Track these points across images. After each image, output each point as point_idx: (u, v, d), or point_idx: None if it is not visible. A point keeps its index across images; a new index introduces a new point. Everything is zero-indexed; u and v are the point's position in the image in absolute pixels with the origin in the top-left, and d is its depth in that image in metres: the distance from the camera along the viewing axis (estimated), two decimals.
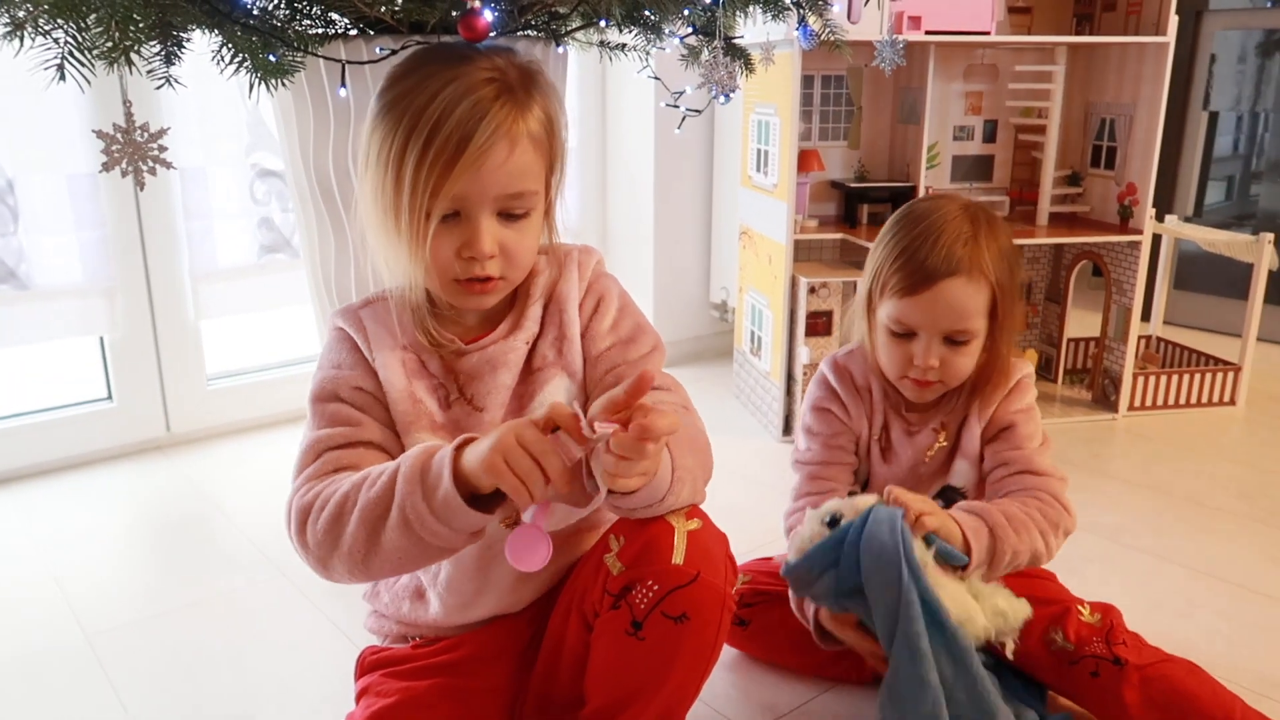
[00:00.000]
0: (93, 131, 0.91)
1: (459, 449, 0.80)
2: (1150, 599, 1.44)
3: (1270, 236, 2.18)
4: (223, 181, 2.03)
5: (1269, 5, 2.77)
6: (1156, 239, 2.39)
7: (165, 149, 0.90)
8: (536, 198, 0.89)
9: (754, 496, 1.78)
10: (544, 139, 0.89)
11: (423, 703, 0.95)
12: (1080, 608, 1.16)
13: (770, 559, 1.33)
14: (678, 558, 0.85)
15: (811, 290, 2.00)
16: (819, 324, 2.04)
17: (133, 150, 0.87)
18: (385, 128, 0.85)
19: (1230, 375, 2.24)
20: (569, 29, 1.39)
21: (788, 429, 2.07)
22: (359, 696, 1.01)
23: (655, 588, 0.85)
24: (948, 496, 1.25)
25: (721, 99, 1.36)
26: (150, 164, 0.88)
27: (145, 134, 0.88)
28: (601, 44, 1.54)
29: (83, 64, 0.88)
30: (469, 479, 0.79)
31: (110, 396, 2.01)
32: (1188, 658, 1.13)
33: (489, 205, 0.86)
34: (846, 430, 1.27)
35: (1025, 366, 1.24)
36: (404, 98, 0.84)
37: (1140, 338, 2.38)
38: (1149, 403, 2.21)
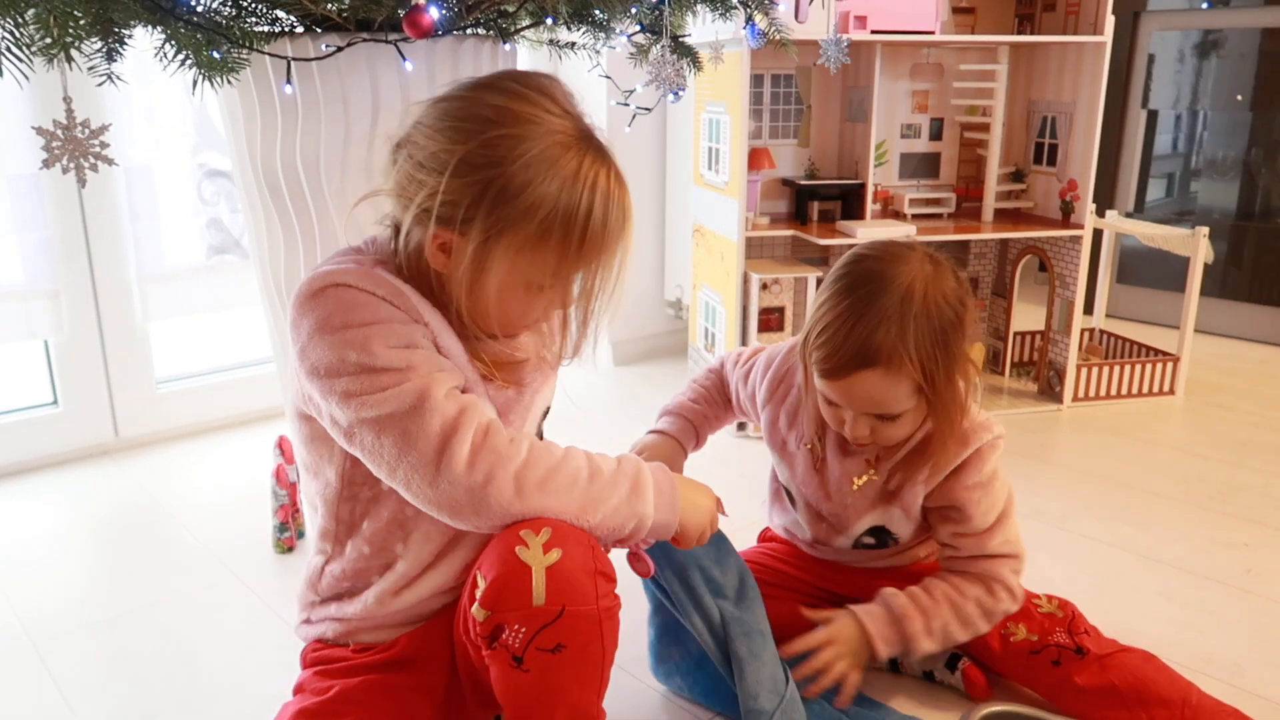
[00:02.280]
0: (32, 128, 0.90)
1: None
2: (1095, 583, 1.48)
3: (1205, 230, 2.24)
4: (170, 181, 2.00)
5: (1205, 6, 2.85)
6: (1098, 234, 2.45)
7: (107, 145, 0.89)
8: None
9: None
10: None
11: (354, 699, 0.95)
12: (1035, 600, 1.19)
13: None
14: (538, 599, 0.84)
15: (764, 286, 2.02)
16: (771, 320, 2.06)
17: (74, 147, 0.86)
18: (548, 195, 0.88)
19: (1169, 366, 2.30)
20: (517, 27, 1.40)
21: (742, 424, 2.09)
22: (295, 691, 1.01)
23: (522, 630, 0.84)
24: (879, 537, 1.23)
25: (670, 97, 1.38)
26: (92, 161, 0.87)
27: (86, 130, 0.87)
28: (551, 42, 1.55)
29: (20, 60, 0.87)
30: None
31: (56, 401, 1.97)
32: (1133, 639, 1.17)
33: (569, 285, 0.98)
34: (745, 397, 1.31)
35: (989, 432, 1.14)
36: (529, 193, 0.87)
37: (1083, 330, 2.44)
38: (1092, 393, 2.27)
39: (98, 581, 1.54)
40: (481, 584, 0.86)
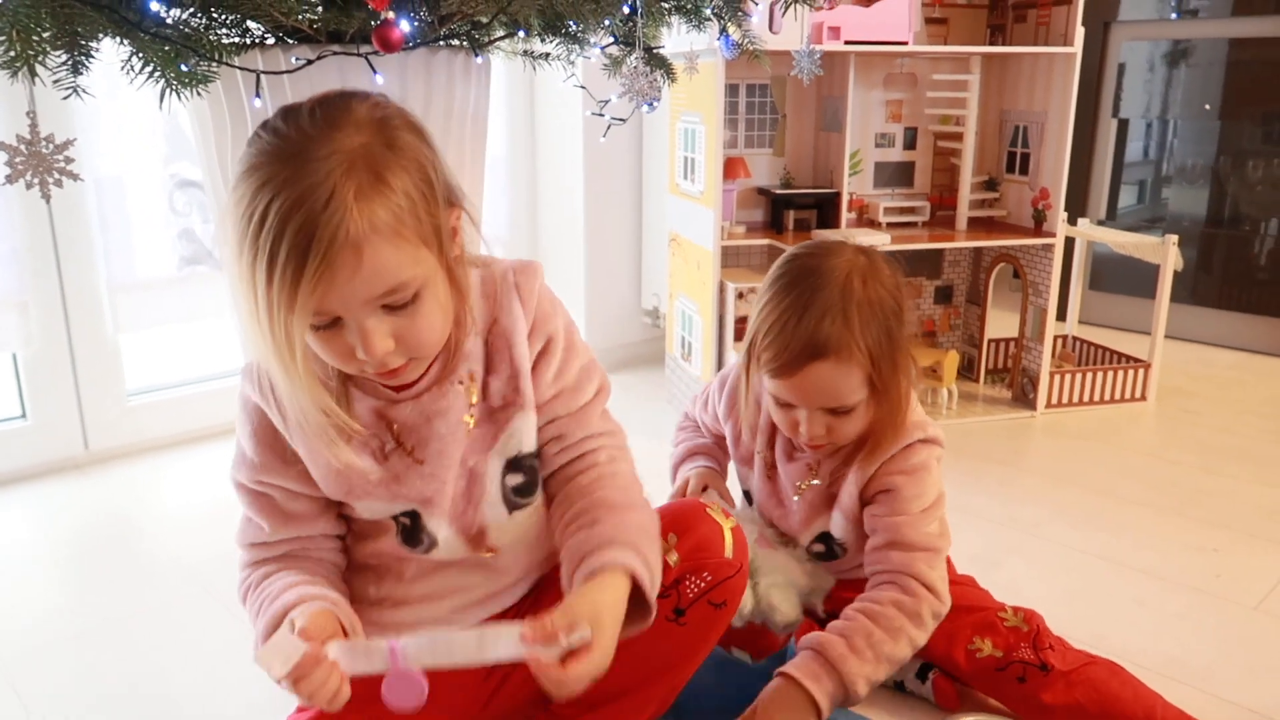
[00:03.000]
0: None
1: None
2: (1067, 589, 1.49)
3: (1175, 238, 2.27)
4: (140, 192, 1.98)
5: (1174, 17, 2.89)
6: (1070, 241, 2.47)
7: (72, 160, 0.88)
8: (419, 280, 0.78)
9: None
10: (406, 218, 0.76)
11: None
12: (1002, 614, 1.18)
13: None
14: (728, 552, 0.96)
15: (739, 295, 2.03)
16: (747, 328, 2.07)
17: (37, 162, 0.85)
18: (233, 238, 0.76)
19: (1141, 372, 2.32)
20: (490, 39, 1.40)
21: None
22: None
23: (708, 578, 0.95)
24: (828, 544, 1.23)
25: (645, 108, 1.38)
26: (56, 176, 0.86)
27: (50, 145, 0.86)
28: (525, 53, 1.55)
29: None
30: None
31: (24, 414, 1.95)
32: (1105, 645, 1.17)
33: (361, 309, 0.77)
34: (712, 421, 1.31)
35: (924, 430, 1.15)
36: (239, 208, 0.75)
37: (1056, 337, 2.46)
38: (1065, 400, 2.29)
39: (67, 596, 1.51)
40: (672, 538, 0.94)
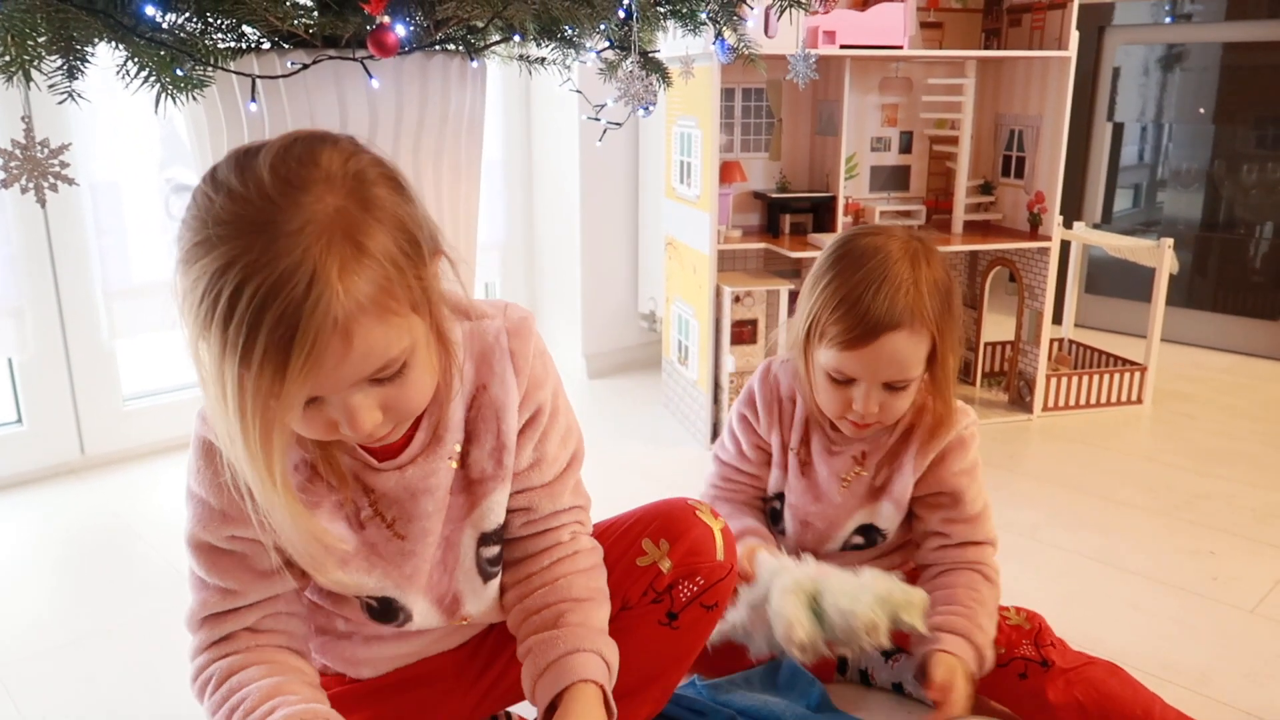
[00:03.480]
0: None
1: None
2: (1064, 592, 1.49)
3: (1170, 241, 2.27)
4: (136, 196, 1.98)
5: (1169, 21, 2.90)
6: (1066, 245, 2.48)
7: (67, 165, 0.88)
8: (408, 349, 0.72)
9: None
10: (394, 288, 0.69)
11: (354, 699, 0.95)
12: (1004, 612, 1.19)
13: None
14: (719, 554, 0.95)
15: (736, 299, 2.03)
16: (744, 332, 2.07)
17: (32, 167, 0.85)
18: (191, 321, 0.67)
19: (1137, 375, 2.33)
20: (486, 43, 1.40)
21: (715, 436, 2.09)
22: None
23: (701, 582, 0.95)
24: (868, 536, 1.24)
25: (640, 112, 1.38)
26: (51, 180, 0.86)
27: (45, 150, 0.86)
28: (521, 58, 1.55)
29: None
30: None
31: (20, 419, 1.94)
32: (1101, 649, 1.17)
33: (350, 390, 0.70)
34: (755, 437, 1.28)
35: (967, 416, 1.21)
36: (199, 289, 0.65)
37: (1052, 340, 2.47)
38: (1061, 403, 2.29)
39: (64, 602, 1.51)
40: (664, 544, 0.95)
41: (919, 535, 1.23)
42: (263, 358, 0.64)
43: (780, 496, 1.29)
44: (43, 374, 1.92)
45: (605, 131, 1.63)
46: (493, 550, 0.92)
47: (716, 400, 2.10)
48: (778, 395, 1.26)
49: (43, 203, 0.87)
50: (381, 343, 0.69)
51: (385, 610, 0.90)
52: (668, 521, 0.97)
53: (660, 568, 0.94)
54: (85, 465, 2.00)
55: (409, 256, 0.70)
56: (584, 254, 2.52)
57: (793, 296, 2.32)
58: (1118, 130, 3.03)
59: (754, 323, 2.07)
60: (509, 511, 0.91)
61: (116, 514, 1.80)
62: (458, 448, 0.86)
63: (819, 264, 1.16)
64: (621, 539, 0.98)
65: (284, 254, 0.63)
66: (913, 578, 1.22)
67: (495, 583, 0.93)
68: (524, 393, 0.86)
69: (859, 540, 1.25)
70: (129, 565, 1.62)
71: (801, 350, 1.17)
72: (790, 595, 1.03)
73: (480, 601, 0.93)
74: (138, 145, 1.97)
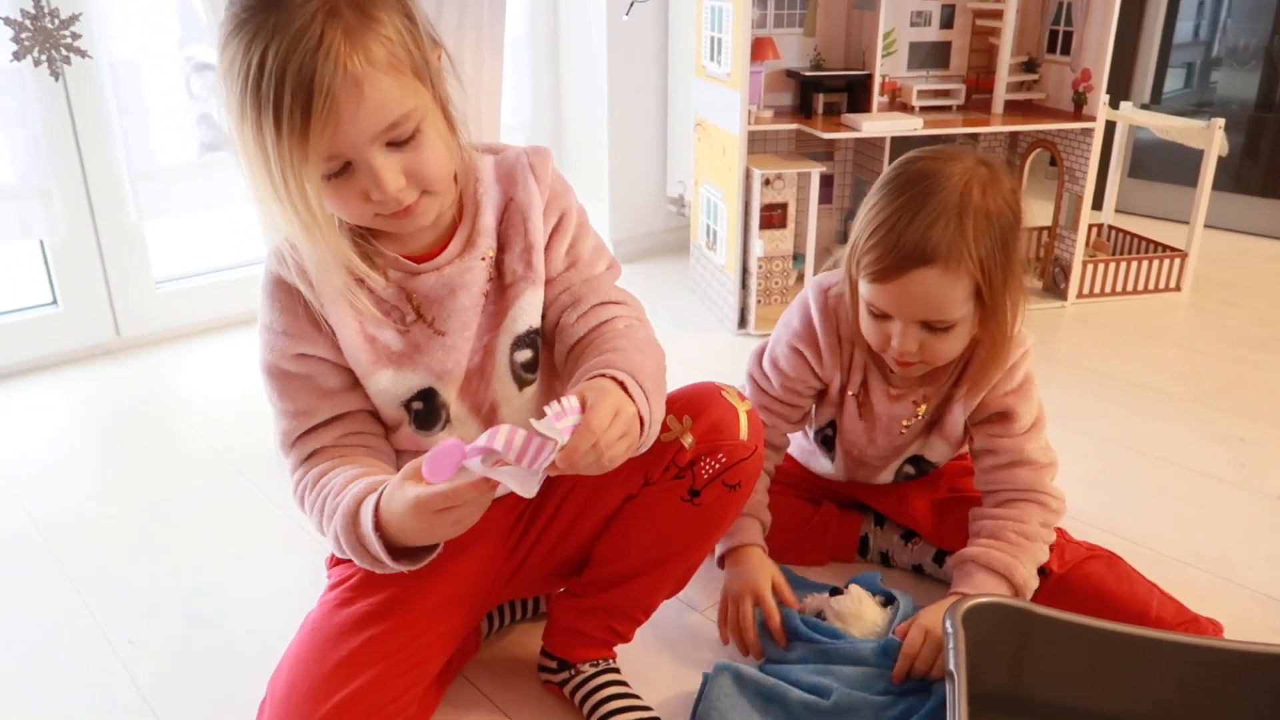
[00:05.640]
0: (0, 19, 0.87)
1: (377, 507, 0.81)
2: (1087, 476, 1.49)
3: (1221, 122, 2.18)
4: (156, 76, 1.95)
5: None
6: (1110, 126, 2.38)
7: (79, 36, 0.86)
8: (419, 111, 0.82)
9: None
10: (399, 53, 0.80)
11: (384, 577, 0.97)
12: None
13: None
14: (743, 434, 0.96)
15: (766, 183, 1.99)
16: (774, 217, 2.03)
17: (43, 38, 0.83)
18: (232, 102, 0.79)
19: (1177, 261, 2.27)
20: None
21: (743, 322, 2.08)
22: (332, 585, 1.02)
23: (723, 459, 0.95)
24: (919, 466, 1.24)
25: None
26: (64, 53, 0.84)
27: (56, 21, 0.84)
28: None
29: None
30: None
31: (55, 301, 1.97)
32: (1122, 531, 1.17)
33: (370, 148, 0.80)
34: (812, 379, 1.20)
35: (1022, 345, 1.13)
36: (234, 68, 0.77)
37: (1091, 226, 2.40)
38: (1097, 290, 2.25)
39: (104, 478, 1.56)
40: (687, 420, 0.95)
41: (972, 454, 1.19)
42: (290, 109, 0.75)
43: (832, 424, 1.25)
44: (75, 256, 1.94)
45: (632, 5, 1.57)
46: (526, 354, 0.96)
47: (745, 285, 2.08)
48: (838, 334, 1.18)
49: (56, 76, 0.85)
50: (394, 96, 0.79)
51: (428, 412, 0.95)
52: (693, 400, 0.97)
53: (683, 443, 0.95)
54: (121, 346, 2.03)
55: (410, 31, 0.81)
56: (611, 136, 2.47)
57: (824, 180, 2.26)
58: (1172, 3, 2.87)
59: (784, 206, 2.03)
60: (559, 314, 0.96)
61: (153, 394, 1.84)
62: (491, 252, 0.94)
63: (875, 183, 1.08)
64: None
65: (296, 19, 0.75)
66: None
67: (529, 390, 0.98)
68: (547, 199, 0.95)
69: (910, 470, 1.25)
70: (168, 444, 1.66)
71: (847, 275, 1.11)
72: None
73: (516, 410, 0.98)
74: (154, 22, 1.92)
